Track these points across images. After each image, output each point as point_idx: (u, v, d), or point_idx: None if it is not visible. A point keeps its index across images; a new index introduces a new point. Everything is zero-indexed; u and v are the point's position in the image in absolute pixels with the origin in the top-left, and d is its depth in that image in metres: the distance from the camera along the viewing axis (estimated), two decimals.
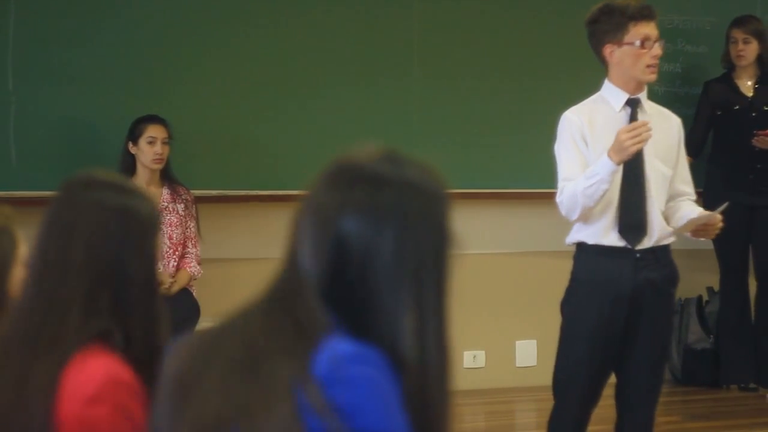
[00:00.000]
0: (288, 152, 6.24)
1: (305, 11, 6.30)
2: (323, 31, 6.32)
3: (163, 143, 5.70)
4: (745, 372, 6.75)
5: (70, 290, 1.98)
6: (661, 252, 4.12)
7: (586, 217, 4.09)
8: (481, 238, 6.66)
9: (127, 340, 1.97)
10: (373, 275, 1.58)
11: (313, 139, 6.27)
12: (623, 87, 4.15)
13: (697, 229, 4.15)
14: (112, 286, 1.99)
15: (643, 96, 4.18)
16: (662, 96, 6.85)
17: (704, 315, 6.94)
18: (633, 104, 4.15)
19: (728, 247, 6.66)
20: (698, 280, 7.01)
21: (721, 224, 4.14)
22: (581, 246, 4.16)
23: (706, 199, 6.76)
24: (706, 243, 6.86)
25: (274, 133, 6.24)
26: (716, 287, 6.92)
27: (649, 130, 3.96)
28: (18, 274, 2.17)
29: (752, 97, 6.72)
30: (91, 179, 2.11)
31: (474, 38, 6.58)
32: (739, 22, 6.72)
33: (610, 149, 3.97)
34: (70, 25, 5.91)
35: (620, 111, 4.15)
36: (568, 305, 4.17)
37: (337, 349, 1.52)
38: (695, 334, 6.88)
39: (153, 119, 5.72)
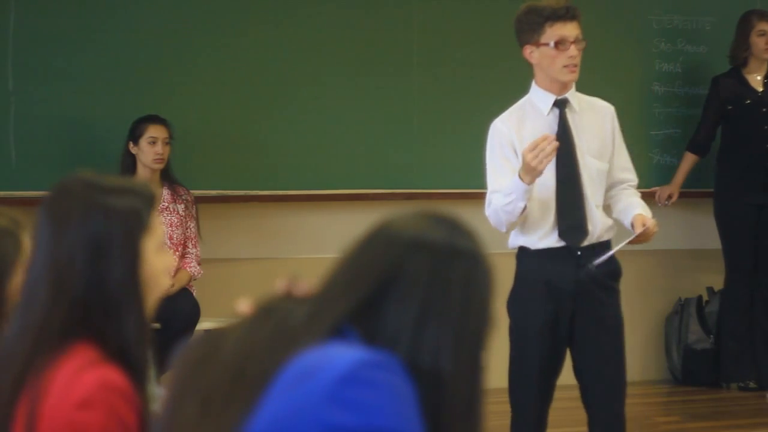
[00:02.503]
0: (288, 152, 6.24)
1: (305, 11, 6.30)
2: (323, 30, 6.32)
3: (164, 143, 5.70)
4: (746, 372, 6.74)
5: (49, 294, 1.98)
6: (600, 248, 4.08)
7: (522, 223, 4.07)
8: (481, 238, 6.65)
9: (119, 345, 1.95)
10: (426, 325, 1.61)
11: (313, 139, 6.27)
12: (548, 88, 4.11)
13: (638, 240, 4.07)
14: (94, 290, 1.97)
15: (571, 93, 4.12)
16: (662, 96, 6.85)
17: (704, 315, 6.93)
18: (561, 105, 4.11)
19: (736, 245, 6.64)
20: (698, 280, 7.01)
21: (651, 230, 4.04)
22: (522, 249, 4.14)
23: (717, 200, 6.74)
24: (707, 243, 6.87)
25: (274, 133, 6.24)
26: (716, 287, 6.91)
27: (553, 142, 3.88)
28: (20, 279, 2.17)
29: (762, 91, 6.68)
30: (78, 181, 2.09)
31: (474, 38, 6.57)
32: (765, 14, 6.66)
33: (520, 169, 3.93)
34: (70, 25, 5.91)
35: (549, 114, 4.11)
36: (513, 307, 4.12)
37: (359, 354, 1.54)
38: (695, 334, 6.88)
39: (154, 119, 5.72)
